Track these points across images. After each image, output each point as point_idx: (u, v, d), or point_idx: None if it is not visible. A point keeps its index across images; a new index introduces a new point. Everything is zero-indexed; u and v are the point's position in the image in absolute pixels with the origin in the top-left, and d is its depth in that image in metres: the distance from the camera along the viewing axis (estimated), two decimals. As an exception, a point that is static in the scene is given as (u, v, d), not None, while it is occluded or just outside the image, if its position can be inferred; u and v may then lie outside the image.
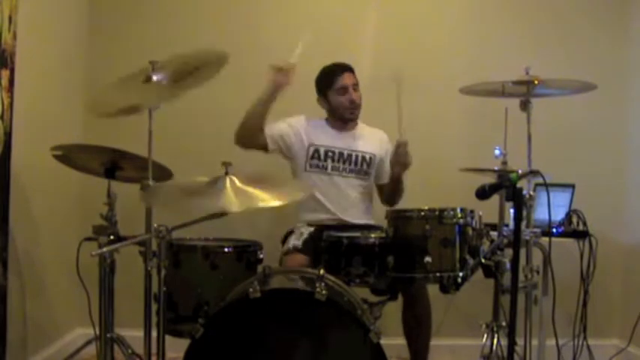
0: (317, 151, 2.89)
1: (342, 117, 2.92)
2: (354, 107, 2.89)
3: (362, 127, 3.01)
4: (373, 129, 3.02)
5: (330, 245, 2.31)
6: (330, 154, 2.89)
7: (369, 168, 2.93)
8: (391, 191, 2.89)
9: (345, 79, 2.87)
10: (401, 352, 2.81)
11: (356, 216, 2.89)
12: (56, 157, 2.32)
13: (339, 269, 2.24)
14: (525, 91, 2.34)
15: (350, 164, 2.90)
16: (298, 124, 2.93)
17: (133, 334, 2.29)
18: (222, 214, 2.02)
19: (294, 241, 2.74)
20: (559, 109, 3.15)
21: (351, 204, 2.89)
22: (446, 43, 3.44)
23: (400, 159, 2.72)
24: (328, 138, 2.92)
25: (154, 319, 2.10)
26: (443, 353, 3.19)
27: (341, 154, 2.90)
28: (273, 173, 2.84)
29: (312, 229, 2.80)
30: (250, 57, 3.39)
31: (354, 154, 2.91)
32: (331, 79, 2.89)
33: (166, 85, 2.12)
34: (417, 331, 2.71)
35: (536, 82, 2.32)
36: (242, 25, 3.41)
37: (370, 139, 2.97)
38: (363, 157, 2.92)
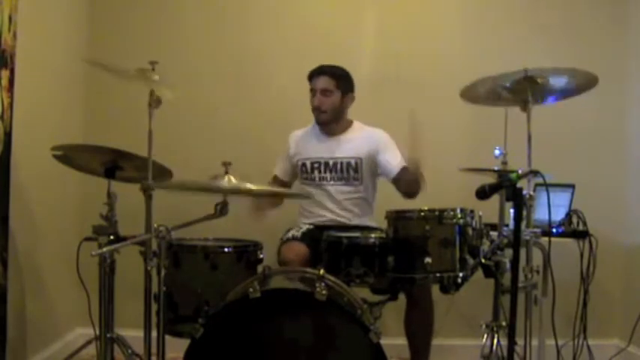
0: (304, 165, 2.93)
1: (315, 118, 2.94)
2: (318, 111, 2.88)
3: (354, 129, 2.95)
4: (368, 129, 2.96)
5: (330, 245, 2.31)
6: (315, 165, 2.91)
7: (356, 173, 2.88)
8: (405, 188, 2.77)
9: (313, 83, 2.88)
10: (401, 352, 2.81)
11: (350, 220, 2.88)
12: (56, 157, 2.31)
13: (339, 269, 2.23)
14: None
15: (336, 172, 2.88)
16: (287, 147, 3.00)
17: (133, 334, 2.29)
18: (222, 214, 2.02)
19: (293, 232, 2.78)
20: (559, 109, 3.15)
21: (343, 209, 2.89)
22: (445, 43, 3.43)
23: (410, 176, 2.65)
24: (313, 148, 2.94)
25: (154, 319, 2.10)
26: (443, 353, 3.18)
27: (326, 163, 2.90)
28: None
29: (311, 226, 2.83)
30: (249, 58, 3.40)
31: (338, 161, 2.88)
32: (309, 80, 2.91)
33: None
34: (419, 332, 2.71)
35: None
36: (241, 27, 3.41)
37: (357, 142, 2.90)
38: (348, 164, 2.88)
